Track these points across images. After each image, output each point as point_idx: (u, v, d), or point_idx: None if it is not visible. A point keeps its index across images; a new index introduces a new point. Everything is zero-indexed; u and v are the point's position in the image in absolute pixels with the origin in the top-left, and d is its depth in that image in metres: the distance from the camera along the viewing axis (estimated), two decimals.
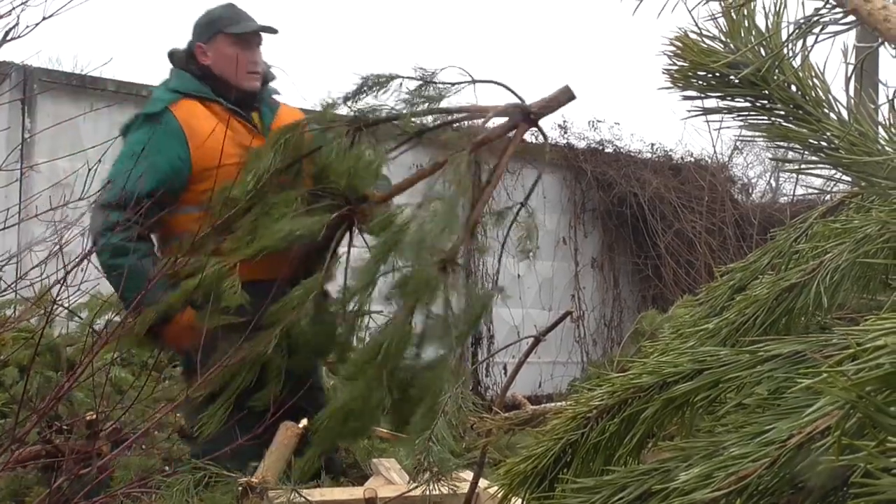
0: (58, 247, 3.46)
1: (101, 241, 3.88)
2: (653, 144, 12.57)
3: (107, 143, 3.76)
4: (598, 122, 12.31)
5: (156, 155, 3.94)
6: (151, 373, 4.93)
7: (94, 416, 3.64)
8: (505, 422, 2.56)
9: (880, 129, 1.41)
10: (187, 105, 4.13)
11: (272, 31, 4.31)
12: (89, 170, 3.63)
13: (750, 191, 13.92)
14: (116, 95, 8.80)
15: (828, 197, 1.74)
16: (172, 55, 4.28)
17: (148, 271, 3.83)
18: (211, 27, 4.24)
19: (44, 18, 3.45)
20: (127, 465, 4.06)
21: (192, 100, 4.15)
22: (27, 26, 3.45)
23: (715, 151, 12.87)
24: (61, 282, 3.16)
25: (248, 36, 4.25)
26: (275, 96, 4.41)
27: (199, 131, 4.03)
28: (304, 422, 3.77)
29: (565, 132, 12.08)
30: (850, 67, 1.39)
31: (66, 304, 3.29)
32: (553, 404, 2.71)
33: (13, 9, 3.39)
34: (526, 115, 3.93)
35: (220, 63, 4.21)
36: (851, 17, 1.26)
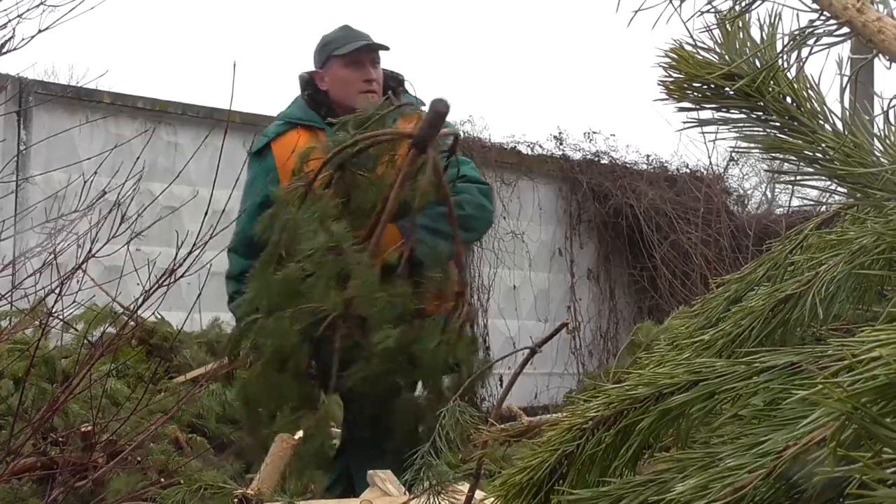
0: (52, 257, 3.46)
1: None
2: (648, 156, 12.61)
3: (102, 155, 3.76)
4: (594, 133, 12.34)
5: (255, 197, 4.12)
6: (147, 385, 4.93)
7: (91, 429, 3.64)
8: (500, 434, 2.56)
9: (875, 141, 1.41)
10: (290, 138, 4.17)
11: (383, 48, 4.28)
12: (85, 182, 3.63)
13: (745, 202, 13.96)
14: (111, 107, 8.81)
15: (823, 208, 1.74)
16: (299, 79, 4.32)
17: None
18: (324, 52, 4.29)
19: (39, 31, 3.46)
20: (125, 477, 4.05)
21: (301, 129, 4.21)
22: (23, 39, 3.45)
23: (710, 163, 12.89)
24: (56, 292, 3.15)
25: (358, 55, 4.24)
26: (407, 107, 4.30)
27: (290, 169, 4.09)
28: (299, 434, 3.77)
29: (561, 143, 12.12)
30: (845, 79, 1.39)
31: (62, 316, 3.29)
32: (549, 416, 2.72)
33: (9, 21, 3.40)
34: (412, 143, 3.90)
35: (335, 87, 4.26)
36: (845, 29, 1.26)
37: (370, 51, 4.27)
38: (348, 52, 4.23)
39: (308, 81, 4.29)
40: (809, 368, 1.28)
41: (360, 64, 4.25)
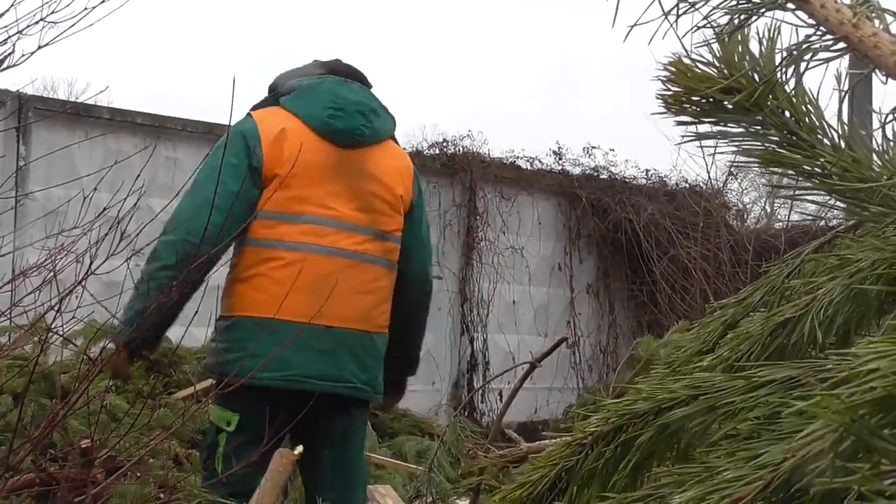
0: (52, 274, 3.46)
1: None
2: (647, 170, 12.64)
3: (102, 171, 3.76)
4: (593, 148, 12.38)
5: None
6: (147, 400, 4.93)
7: (90, 444, 3.63)
8: (499, 459, 2.57)
9: (874, 156, 1.41)
10: None
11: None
12: (84, 198, 3.64)
13: (745, 216, 14.00)
14: (111, 123, 8.82)
15: (822, 223, 1.75)
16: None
17: None
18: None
19: (39, 47, 3.46)
20: (123, 493, 4.04)
21: None
22: (23, 55, 3.46)
23: (710, 177, 12.93)
24: (56, 309, 3.16)
25: None
26: None
27: None
28: (299, 449, 3.76)
29: (560, 158, 12.15)
30: (845, 94, 1.40)
31: (61, 332, 3.29)
32: (548, 441, 2.71)
33: (9, 37, 3.41)
34: None
35: None
36: (842, 44, 1.27)
37: None
38: None
39: None
40: (808, 381, 1.28)
41: None
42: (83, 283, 3.44)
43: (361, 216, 4.04)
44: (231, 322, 4.02)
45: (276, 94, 4.19)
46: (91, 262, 3.82)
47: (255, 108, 4.19)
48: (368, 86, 4.26)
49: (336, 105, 4.08)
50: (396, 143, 4.33)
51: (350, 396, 4.02)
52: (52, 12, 3.59)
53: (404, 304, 4.18)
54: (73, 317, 3.54)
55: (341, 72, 4.21)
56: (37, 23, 3.61)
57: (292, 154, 3.95)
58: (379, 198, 4.08)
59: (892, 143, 1.41)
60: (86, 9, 3.65)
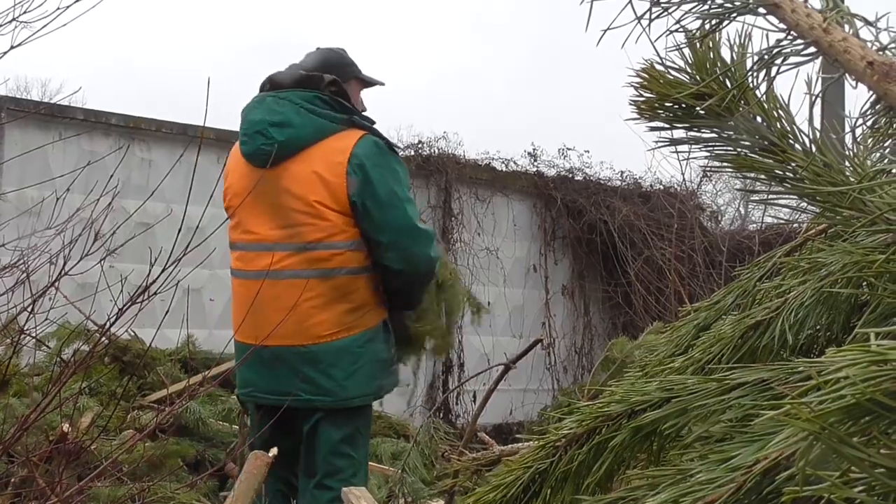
0: (25, 274, 3.44)
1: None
2: (622, 172, 12.66)
3: (75, 172, 3.74)
4: (568, 149, 12.39)
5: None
6: (119, 402, 4.90)
7: (60, 447, 3.61)
8: (472, 463, 2.57)
9: (846, 161, 1.42)
10: None
11: (384, 84, 4.60)
12: (58, 198, 3.62)
13: (719, 218, 14.04)
14: (85, 124, 8.77)
15: (795, 226, 1.77)
16: (333, 84, 4.30)
17: None
18: (348, 70, 4.42)
19: (12, 47, 3.45)
20: (96, 495, 4.03)
21: None
22: None
23: (684, 179, 12.96)
24: (29, 310, 3.14)
25: (370, 86, 4.55)
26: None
27: None
28: (273, 451, 3.76)
29: (535, 160, 12.16)
30: (815, 98, 1.41)
31: (34, 333, 3.27)
32: (521, 444, 2.71)
33: None
34: None
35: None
36: (812, 49, 1.27)
37: (381, 85, 4.60)
38: (371, 81, 4.53)
39: (343, 91, 4.32)
40: (779, 386, 1.29)
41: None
42: (56, 284, 3.43)
43: (282, 233, 4.14)
44: None
45: None
46: (65, 263, 3.81)
47: None
48: (309, 85, 4.26)
49: (242, 129, 4.26)
50: (343, 131, 4.24)
51: (298, 408, 4.15)
52: (25, 12, 3.58)
53: (390, 289, 4.27)
54: (47, 318, 3.52)
55: (276, 82, 4.30)
56: (9, 22, 3.60)
57: (232, 184, 4.29)
58: (296, 210, 4.12)
59: (861, 148, 1.42)
60: (58, 8, 3.63)
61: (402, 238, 4.14)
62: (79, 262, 3.86)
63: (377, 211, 4.11)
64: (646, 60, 1.52)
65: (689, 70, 1.50)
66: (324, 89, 4.25)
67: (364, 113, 4.38)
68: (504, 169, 11.93)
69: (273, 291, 4.06)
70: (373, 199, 4.11)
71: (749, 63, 1.44)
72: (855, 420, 0.87)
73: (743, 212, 14.52)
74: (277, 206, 4.13)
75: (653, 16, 1.37)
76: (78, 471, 4.01)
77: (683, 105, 1.51)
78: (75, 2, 3.73)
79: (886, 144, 1.41)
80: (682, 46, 1.49)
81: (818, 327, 1.52)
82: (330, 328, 4.10)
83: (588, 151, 12.60)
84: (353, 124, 4.22)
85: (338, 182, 4.10)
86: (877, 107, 1.39)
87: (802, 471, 0.88)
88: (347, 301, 4.11)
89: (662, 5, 1.37)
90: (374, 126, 4.28)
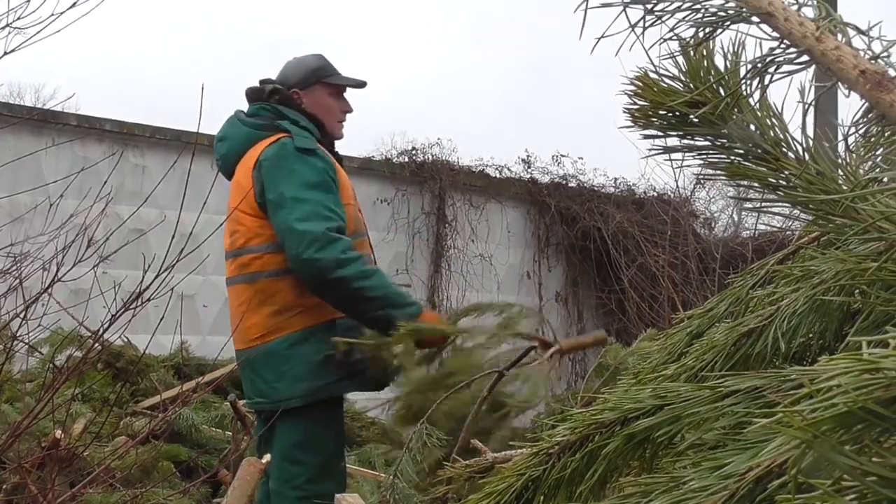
0: (17, 281, 3.44)
1: (349, 267, 4.03)
2: (616, 179, 12.68)
3: (69, 178, 3.74)
4: (562, 156, 12.42)
5: (334, 187, 4.16)
6: (112, 409, 4.90)
7: (53, 453, 3.61)
8: (465, 470, 2.56)
9: (839, 169, 1.42)
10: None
11: (364, 84, 4.50)
12: (51, 205, 3.62)
13: (712, 225, 14.05)
14: (78, 130, 8.78)
15: (788, 233, 1.77)
16: (274, 92, 4.34)
17: (395, 288, 4.24)
18: (311, 76, 4.39)
19: (5, 53, 3.44)
20: (88, 501, 4.02)
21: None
22: None
23: (677, 186, 12.98)
24: (21, 316, 3.14)
25: (343, 88, 4.46)
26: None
27: (339, 168, 4.25)
28: (266, 457, 3.76)
29: (529, 167, 12.18)
30: (808, 106, 1.41)
31: (27, 340, 3.27)
32: (514, 451, 2.70)
33: None
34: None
35: (316, 110, 4.36)
36: (805, 57, 1.28)
37: (359, 87, 4.49)
38: (341, 83, 4.43)
39: (288, 97, 4.31)
40: (772, 393, 1.29)
41: (341, 95, 4.44)
42: (49, 291, 3.42)
43: (228, 242, 4.26)
44: None
45: None
46: (58, 269, 3.81)
47: None
48: (259, 97, 4.35)
49: None
50: (267, 137, 4.25)
51: (253, 409, 4.42)
52: (19, 18, 3.58)
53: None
54: (40, 324, 3.52)
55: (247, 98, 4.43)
56: (3, 28, 3.60)
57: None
58: (230, 219, 4.22)
59: (854, 156, 1.42)
60: (52, 14, 3.63)
61: (284, 239, 4.05)
62: (72, 268, 3.86)
63: (269, 212, 4.11)
64: (640, 68, 1.52)
65: (682, 78, 1.50)
66: (268, 99, 4.33)
67: (344, 116, 4.42)
68: (498, 175, 11.95)
69: (230, 298, 4.31)
70: (267, 201, 4.11)
71: (742, 71, 1.44)
72: (847, 428, 0.87)
73: (736, 219, 14.53)
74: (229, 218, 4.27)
75: (646, 24, 1.37)
76: (70, 477, 4.00)
77: (677, 113, 1.51)
78: (70, 7, 3.73)
79: (879, 153, 1.41)
80: (675, 55, 1.50)
81: (811, 335, 1.52)
82: (259, 331, 4.13)
83: (582, 158, 12.64)
84: (278, 129, 4.23)
85: (248, 186, 4.15)
86: (869, 115, 1.40)
87: (795, 479, 0.88)
88: (271, 304, 4.11)
89: (656, 13, 1.37)
90: (307, 127, 4.23)
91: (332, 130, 4.39)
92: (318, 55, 4.48)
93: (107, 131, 8.98)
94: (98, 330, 3.80)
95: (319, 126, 4.31)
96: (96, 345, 4.16)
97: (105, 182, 4.06)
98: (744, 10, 1.32)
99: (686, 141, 1.55)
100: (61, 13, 3.70)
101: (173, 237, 3.62)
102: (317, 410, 4.16)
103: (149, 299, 3.67)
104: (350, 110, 4.47)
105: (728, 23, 1.37)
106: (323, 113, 4.36)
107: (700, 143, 1.53)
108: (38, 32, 3.68)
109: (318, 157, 4.16)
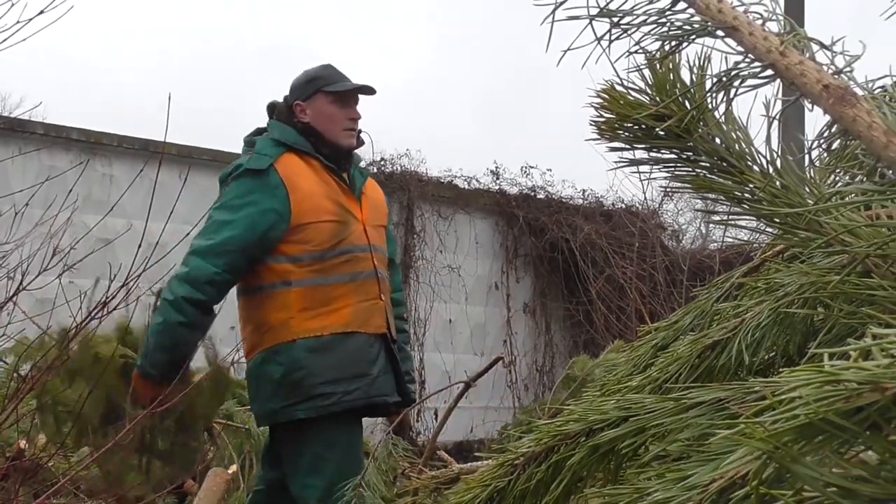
0: None
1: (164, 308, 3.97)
2: (584, 191, 12.71)
3: (35, 187, 3.72)
4: (531, 168, 12.43)
5: (254, 208, 4.04)
6: (77, 418, 4.86)
7: (24, 446, 3.59)
8: (432, 481, 2.57)
9: (805, 184, 1.43)
10: (289, 159, 4.19)
11: (371, 90, 4.42)
12: (17, 213, 3.60)
13: (680, 237, 14.10)
14: (45, 139, 8.73)
15: (755, 245, 1.78)
16: (273, 107, 4.35)
17: (187, 344, 4.03)
18: (310, 86, 4.33)
19: None
20: None
21: (293, 153, 4.22)
22: None
23: (645, 198, 13.02)
24: None
25: (347, 95, 4.36)
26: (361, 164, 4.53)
27: (301, 187, 4.12)
28: (233, 468, 3.75)
29: (497, 178, 12.19)
30: (772, 120, 1.42)
31: None
32: (480, 463, 2.71)
33: None
34: None
35: (319, 120, 4.29)
36: (770, 72, 1.29)
37: (360, 93, 4.41)
38: (340, 90, 4.34)
39: (287, 111, 4.30)
40: (734, 408, 1.30)
41: (346, 102, 4.35)
42: (14, 299, 3.40)
43: None
44: None
45: None
46: (23, 278, 3.79)
47: None
48: (273, 115, 4.36)
49: None
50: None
51: None
52: None
53: None
54: (4, 333, 3.49)
55: None
56: None
57: None
58: None
59: (818, 169, 1.44)
60: (19, 21, 3.61)
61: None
62: (37, 276, 3.84)
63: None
64: (606, 81, 1.53)
65: (648, 91, 1.51)
66: (270, 115, 4.34)
67: (352, 123, 4.32)
68: (466, 186, 11.96)
69: None
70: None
71: (708, 85, 1.45)
72: (808, 439, 0.88)
73: (704, 231, 14.61)
74: None
75: (613, 37, 1.38)
76: (34, 488, 3.97)
77: (643, 126, 1.52)
78: (37, 15, 3.71)
79: (842, 166, 1.42)
80: (642, 67, 1.50)
81: (775, 348, 1.53)
82: (246, 348, 4.17)
83: (550, 170, 12.65)
84: (250, 146, 4.25)
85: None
86: (833, 129, 1.41)
87: (756, 490, 0.88)
88: (250, 321, 4.12)
89: (622, 27, 1.38)
90: (284, 141, 4.22)
91: (336, 139, 4.29)
92: (324, 65, 4.44)
93: (74, 140, 8.93)
94: (64, 338, 3.78)
95: (317, 136, 4.28)
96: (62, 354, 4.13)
97: (71, 191, 4.04)
98: (709, 24, 1.33)
99: (652, 154, 1.56)
100: (28, 20, 3.69)
101: (140, 246, 3.61)
102: (314, 428, 4.05)
103: (114, 308, 3.66)
104: (357, 117, 4.37)
105: (693, 37, 1.38)
106: (325, 122, 4.29)
107: (666, 155, 1.54)
108: (5, 41, 3.66)
109: (250, 179, 4.11)
